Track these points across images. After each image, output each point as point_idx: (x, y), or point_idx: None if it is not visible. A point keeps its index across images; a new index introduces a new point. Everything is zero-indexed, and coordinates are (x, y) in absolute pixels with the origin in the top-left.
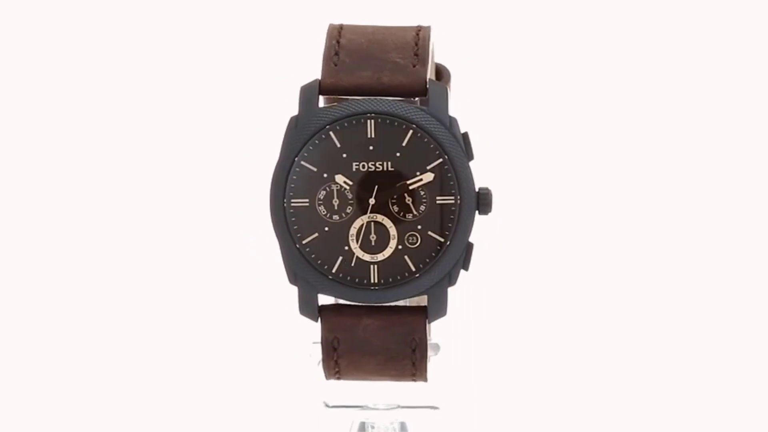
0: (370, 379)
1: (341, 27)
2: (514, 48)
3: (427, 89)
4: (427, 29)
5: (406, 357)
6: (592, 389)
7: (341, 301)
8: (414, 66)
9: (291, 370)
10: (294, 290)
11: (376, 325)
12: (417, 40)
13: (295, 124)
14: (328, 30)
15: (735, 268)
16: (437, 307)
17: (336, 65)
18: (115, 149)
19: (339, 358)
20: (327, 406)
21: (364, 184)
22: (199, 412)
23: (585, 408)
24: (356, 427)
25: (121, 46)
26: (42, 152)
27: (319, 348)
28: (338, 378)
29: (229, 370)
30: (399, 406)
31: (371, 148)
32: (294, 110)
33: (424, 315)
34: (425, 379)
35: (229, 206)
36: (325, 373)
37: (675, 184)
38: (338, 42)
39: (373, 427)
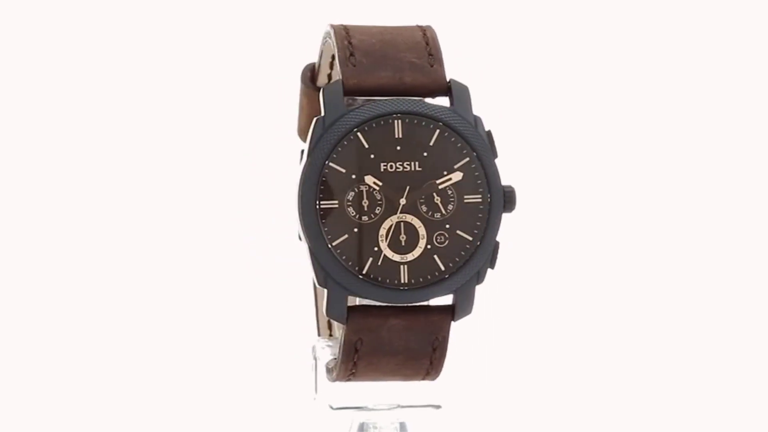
0: (382, 380)
1: (346, 27)
2: (497, 45)
3: (449, 88)
4: (431, 29)
5: (426, 356)
6: (596, 390)
7: (366, 302)
8: (432, 66)
9: (290, 371)
10: (294, 292)
11: (401, 325)
12: (427, 40)
13: (322, 126)
14: (335, 31)
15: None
16: (464, 306)
17: (355, 66)
18: (111, 149)
19: (358, 360)
20: (332, 408)
21: (394, 184)
22: (199, 413)
23: (589, 409)
24: (356, 427)
25: (122, 45)
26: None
27: (324, 350)
28: (349, 380)
29: (228, 372)
30: (399, 406)
31: (399, 148)
32: (280, 110)
33: (449, 314)
34: (436, 378)
35: (229, 207)
36: (338, 375)
37: (680, 180)
38: (350, 42)
39: (374, 428)
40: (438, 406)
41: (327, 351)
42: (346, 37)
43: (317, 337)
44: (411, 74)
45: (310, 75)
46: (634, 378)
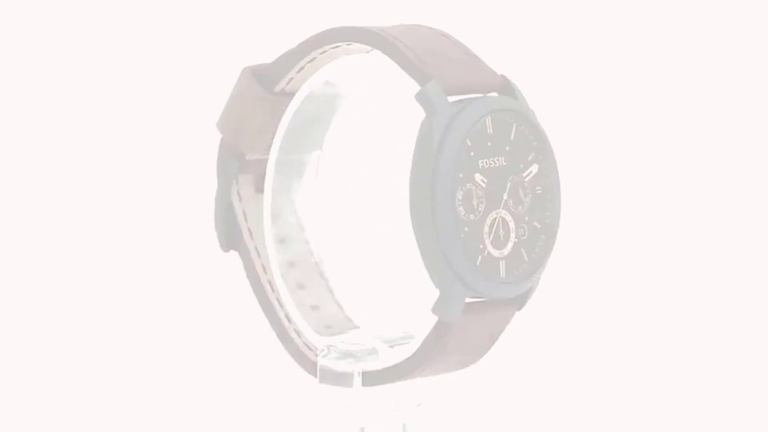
0: (430, 376)
1: (382, 29)
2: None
3: (507, 84)
4: (435, 28)
5: (481, 348)
6: (597, 389)
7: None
8: (478, 63)
9: (290, 375)
10: None
11: (485, 319)
12: (451, 38)
13: (440, 129)
14: (382, 33)
15: None
16: (531, 296)
17: (431, 66)
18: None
19: (438, 360)
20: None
21: (494, 180)
22: (198, 414)
23: (590, 408)
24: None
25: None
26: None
27: (367, 358)
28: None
29: (228, 375)
30: (399, 406)
31: (489, 144)
32: None
33: (515, 304)
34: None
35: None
36: (399, 377)
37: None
38: (403, 44)
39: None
40: (438, 405)
41: (370, 357)
42: (393, 40)
43: (341, 341)
44: (473, 72)
45: (259, 79)
46: (636, 378)
